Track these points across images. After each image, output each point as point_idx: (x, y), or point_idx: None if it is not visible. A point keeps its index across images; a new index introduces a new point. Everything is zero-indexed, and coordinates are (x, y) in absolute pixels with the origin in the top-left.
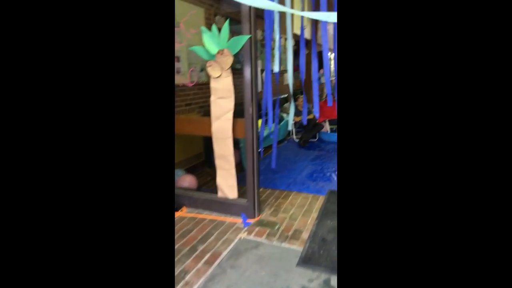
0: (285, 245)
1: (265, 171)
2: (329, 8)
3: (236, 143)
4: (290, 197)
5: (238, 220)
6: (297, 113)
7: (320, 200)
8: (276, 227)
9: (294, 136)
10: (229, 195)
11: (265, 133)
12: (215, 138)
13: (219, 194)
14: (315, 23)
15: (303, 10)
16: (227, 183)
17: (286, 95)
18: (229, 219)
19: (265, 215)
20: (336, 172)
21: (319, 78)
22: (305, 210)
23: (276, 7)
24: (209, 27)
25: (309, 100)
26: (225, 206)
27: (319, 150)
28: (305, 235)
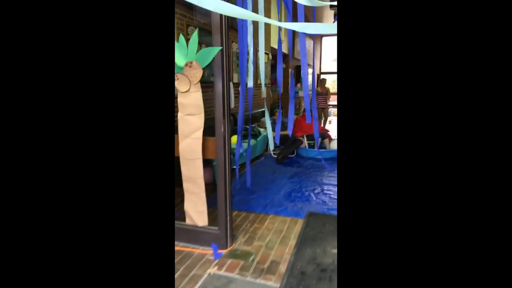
0: (260, 281)
1: (240, 191)
2: (306, 21)
3: (210, 161)
4: (267, 221)
5: (209, 251)
6: (274, 127)
7: (299, 224)
8: (251, 258)
9: (272, 152)
10: (198, 223)
11: (241, 150)
12: (182, 159)
13: (187, 221)
14: (292, 37)
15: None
16: (196, 209)
17: (263, 109)
18: (198, 250)
19: (239, 243)
20: (315, 191)
21: (297, 92)
22: (283, 237)
23: (250, 16)
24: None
25: (287, 114)
26: (194, 235)
27: (297, 167)
28: (282, 267)
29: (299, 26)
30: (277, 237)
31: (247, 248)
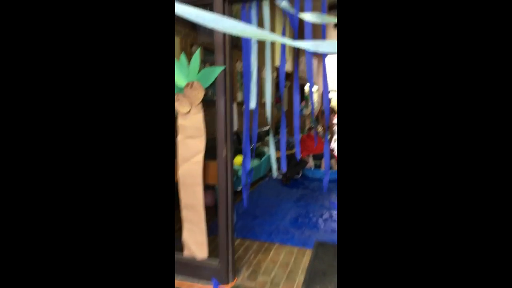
0: None
1: (243, 216)
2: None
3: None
4: (272, 251)
5: (209, 287)
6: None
7: (307, 255)
8: None
9: (276, 172)
10: (197, 255)
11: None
12: (181, 184)
13: (186, 252)
14: (297, 55)
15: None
16: (195, 240)
17: (268, 128)
18: (196, 285)
19: (242, 278)
20: (323, 217)
21: (301, 110)
22: (290, 271)
23: (254, 33)
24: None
25: (291, 133)
26: (192, 268)
27: (303, 189)
28: None
29: (311, 44)
30: (283, 271)
31: (251, 284)
